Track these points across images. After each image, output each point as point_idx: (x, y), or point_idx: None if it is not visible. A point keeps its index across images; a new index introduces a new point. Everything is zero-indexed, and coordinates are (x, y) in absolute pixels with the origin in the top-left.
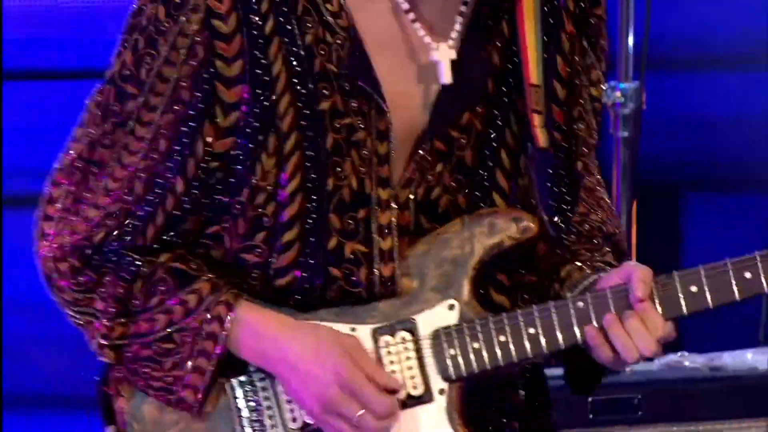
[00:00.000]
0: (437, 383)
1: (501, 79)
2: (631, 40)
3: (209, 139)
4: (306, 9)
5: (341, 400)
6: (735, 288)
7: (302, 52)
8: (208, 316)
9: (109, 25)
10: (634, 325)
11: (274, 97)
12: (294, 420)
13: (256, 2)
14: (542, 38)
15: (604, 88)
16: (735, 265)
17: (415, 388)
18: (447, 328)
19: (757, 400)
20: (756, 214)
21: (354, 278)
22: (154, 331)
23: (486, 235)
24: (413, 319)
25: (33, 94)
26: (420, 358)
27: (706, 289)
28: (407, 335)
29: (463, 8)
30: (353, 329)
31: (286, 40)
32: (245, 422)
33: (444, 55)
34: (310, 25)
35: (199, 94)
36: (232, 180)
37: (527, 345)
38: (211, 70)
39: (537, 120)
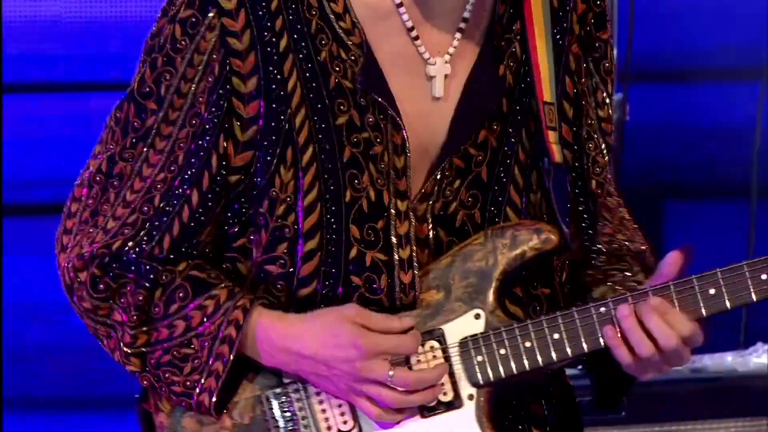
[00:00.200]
0: (466, 389)
1: (514, 97)
2: (615, 54)
3: (227, 154)
4: (319, 27)
5: (369, 366)
6: (752, 290)
7: (317, 69)
8: (225, 321)
9: (112, 40)
10: (653, 319)
11: (289, 112)
12: (329, 428)
13: (270, 20)
14: (553, 59)
15: (611, 109)
16: (751, 267)
17: (444, 394)
18: (474, 336)
19: (736, 400)
20: (736, 221)
21: (375, 286)
22: (173, 337)
23: (508, 247)
24: (441, 329)
25: (34, 106)
26: (449, 366)
27: (724, 291)
28: (436, 344)
29: (462, 25)
30: None
31: (301, 56)
32: None
33: (438, 69)
34: (324, 42)
35: (215, 110)
36: (254, 192)
37: (552, 350)
38: (227, 86)
39: (552, 136)
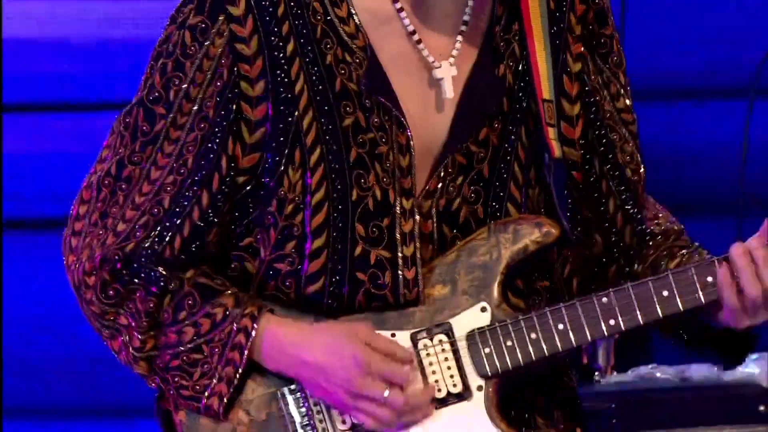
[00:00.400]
0: (475, 380)
1: (514, 96)
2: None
3: (235, 156)
4: (324, 31)
5: (365, 383)
6: None
7: (323, 72)
8: (235, 328)
9: (118, 59)
10: (764, 254)
11: (297, 114)
12: (344, 422)
13: (277, 25)
14: (551, 58)
15: (627, 99)
16: None
17: (454, 386)
18: (481, 328)
19: (724, 408)
20: (721, 237)
21: (379, 282)
22: (182, 342)
23: (511, 241)
24: (449, 323)
25: (35, 126)
26: (457, 359)
27: None
28: (444, 337)
29: (463, 28)
30: (393, 335)
31: (307, 60)
32: (298, 428)
33: (446, 72)
34: (329, 46)
35: (223, 113)
36: (262, 192)
37: (557, 341)
38: (236, 90)
39: (551, 133)
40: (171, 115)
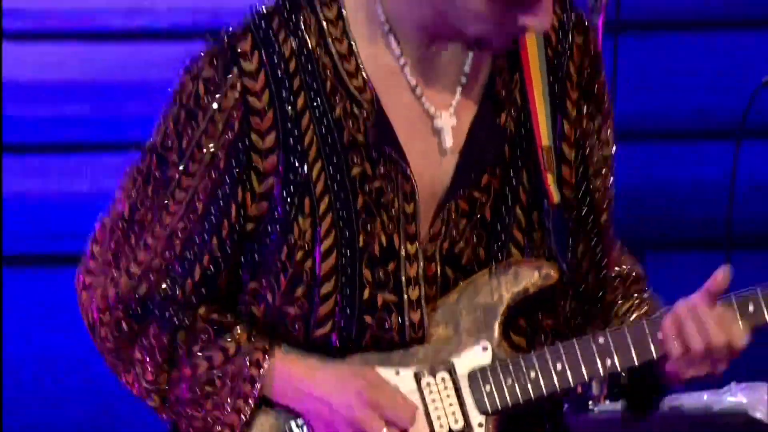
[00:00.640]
0: (476, 417)
1: (515, 143)
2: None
3: (244, 203)
4: (334, 85)
5: (366, 418)
6: None
7: (332, 124)
8: (247, 361)
9: (130, 102)
10: (710, 318)
11: (306, 165)
12: None
13: (288, 80)
14: (549, 105)
15: (614, 147)
16: None
17: (456, 422)
18: (482, 367)
19: None
20: (710, 271)
21: (387, 324)
22: (196, 376)
23: (512, 283)
24: (451, 361)
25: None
26: (459, 396)
27: (763, 305)
28: (446, 375)
29: (463, 80)
30: (397, 372)
31: (317, 113)
32: None
33: (445, 122)
34: (338, 100)
35: (234, 163)
36: (269, 239)
37: (555, 380)
38: (246, 142)
39: (550, 178)
40: (183, 163)
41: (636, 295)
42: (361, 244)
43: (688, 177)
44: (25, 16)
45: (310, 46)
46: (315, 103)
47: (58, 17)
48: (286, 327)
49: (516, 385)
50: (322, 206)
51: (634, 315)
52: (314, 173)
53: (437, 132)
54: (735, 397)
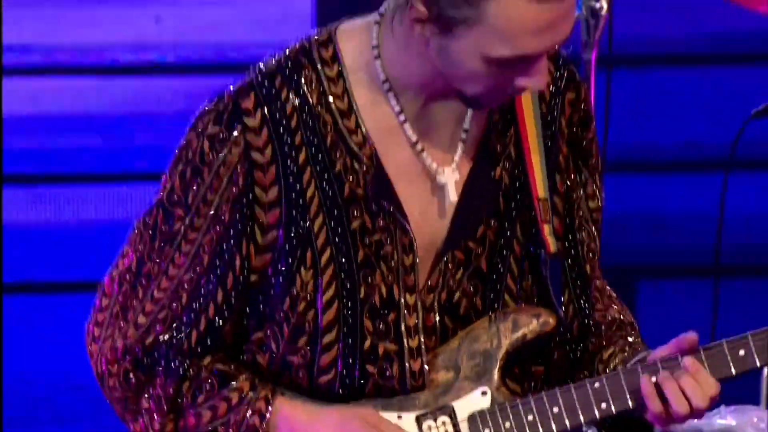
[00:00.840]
0: None
1: (509, 196)
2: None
3: (248, 256)
4: (334, 141)
5: None
6: None
7: (333, 179)
8: (249, 411)
9: (140, 134)
10: (687, 381)
11: (308, 218)
12: None
13: (290, 136)
14: (544, 159)
15: (600, 201)
16: None
17: None
18: (482, 411)
19: None
20: (700, 298)
21: (387, 373)
22: (200, 425)
23: (511, 329)
24: (451, 405)
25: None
26: None
27: (754, 351)
28: (447, 419)
29: (463, 135)
30: (399, 416)
31: (318, 168)
32: None
33: (449, 177)
34: (338, 155)
35: (238, 217)
36: (273, 291)
37: (552, 423)
38: (250, 196)
39: (547, 229)
40: (189, 218)
41: (620, 341)
42: (362, 295)
43: (679, 207)
44: (37, 51)
45: (311, 103)
46: (316, 158)
47: (69, 52)
48: (290, 375)
49: (514, 428)
50: (324, 258)
51: (616, 360)
52: (316, 226)
53: (440, 187)
54: (725, 419)
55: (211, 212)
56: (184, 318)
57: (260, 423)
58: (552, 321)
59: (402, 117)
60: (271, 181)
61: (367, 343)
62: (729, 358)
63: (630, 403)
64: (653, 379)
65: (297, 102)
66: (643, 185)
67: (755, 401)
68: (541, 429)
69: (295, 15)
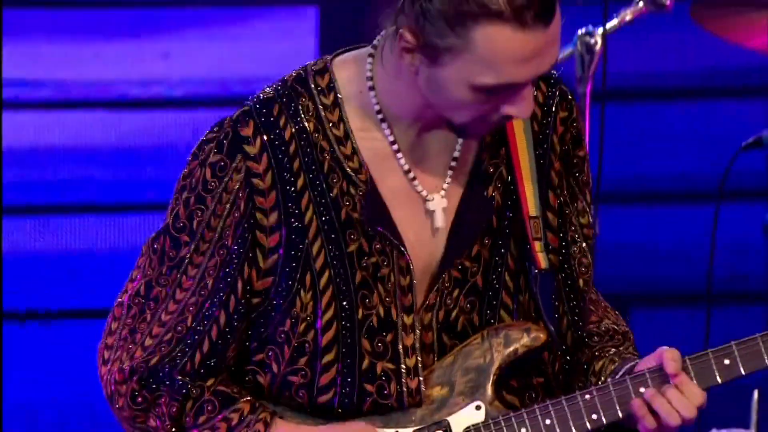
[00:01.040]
0: None
1: (502, 214)
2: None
3: (250, 279)
4: (331, 166)
5: None
6: (765, 355)
7: (330, 203)
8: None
9: (148, 167)
10: (674, 395)
11: (307, 241)
12: None
13: (289, 162)
14: (536, 177)
15: (590, 216)
16: (764, 337)
17: None
18: (476, 425)
19: None
20: (692, 326)
21: (385, 392)
22: None
23: (503, 345)
24: (447, 420)
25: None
26: None
27: (738, 360)
28: None
29: (453, 163)
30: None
31: (316, 193)
32: None
33: (437, 204)
34: (335, 180)
35: (240, 241)
36: (274, 313)
37: None
38: (252, 220)
39: (537, 246)
40: (194, 243)
41: (612, 350)
42: (360, 316)
43: (671, 236)
44: (48, 85)
45: (308, 130)
46: (314, 184)
47: (80, 86)
48: (291, 394)
49: None
50: (323, 281)
51: (608, 371)
52: (314, 249)
53: (429, 213)
54: None
55: (216, 237)
56: (188, 340)
57: None
58: (542, 336)
59: (395, 146)
60: (272, 205)
61: (366, 363)
62: (714, 367)
63: (620, 414)
64: (641, 390)
65: (295, 129)
66: (637, 215)
67: (745, 424)
68: None
69: (299, 51)
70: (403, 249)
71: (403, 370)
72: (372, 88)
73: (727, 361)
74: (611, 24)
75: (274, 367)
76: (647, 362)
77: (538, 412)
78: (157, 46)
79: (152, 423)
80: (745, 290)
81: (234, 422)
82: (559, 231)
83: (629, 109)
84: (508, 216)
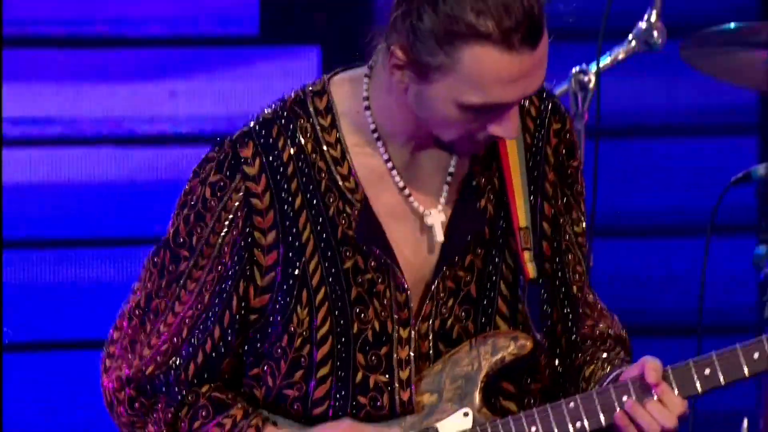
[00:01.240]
0: None
1: (494, 224)
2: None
3: (247, 296)
4: (328, 186)
5: None
6: (744, 367)
7: (326, 222)
8: None
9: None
10: (654, 406)
11: (304, 259)
12: None
13: (287, 182)
14: (528, 187)
15: (584, 225)
16: (744, 348)
17: None
18: (464, 431)
19: None
20: (682, 356)
21: (378, 403)
22: None
23: (490, 353)
24: (435, 427)
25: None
26: None
27: (719, 370)
28: None
29: (449, 179)
30: None
31: (313, 212)
32: None
33: (435, 218)
34: (332, 200)
35: (237, 259)
36: (272, 328)
37: None
38: (250, 239)
39: (527, 256)
40: (193, 258)
41: (603, 356)
42: (355, 330)
43: (663, 269)
44: (60, 122)
45: (306, 151)
46: (311, 203)
47: (90, 123)
48: (285, 407)
49: None
50: (319, 297)
51: (596, 377)
52: (311, 267)
53: (427, 228)
54: None
55: (214, 254)
56: (183, 351)
57: None
58: (529, 344)
59: (390, 164)
60: (270, 225)
61: (359, 376)
62: (695, 377)
63: (603, 421)
64: (624, 399)
65: (293, 150)
66: (630, 249)
67: None
68: None
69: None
70: (397, 266)
71: (396, 383)
72: (368, 107)
73: (707, 372)
74: (605, 63)
75: (270, 381)
76: (631, 371)
77: (524, 420)
78: (164, 85)
79: (150, 429)
80: (735, 321)
81: (227, 428)
82: (553, 240)
83: (622, 145)
84: (501, 226)
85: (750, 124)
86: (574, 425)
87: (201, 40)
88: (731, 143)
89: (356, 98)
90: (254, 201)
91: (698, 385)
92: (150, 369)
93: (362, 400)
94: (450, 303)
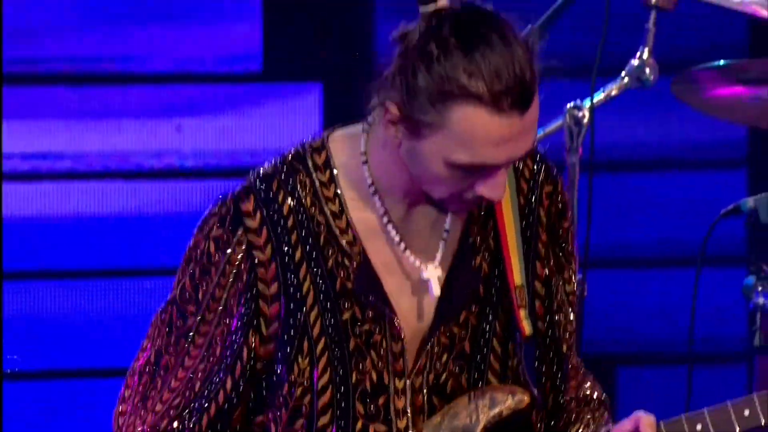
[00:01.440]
0: None
1: (489, 283)
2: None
3: (255, 346)
4: (326, 239)
5: None
6: (735, 423)
7: (325, 274)
8: None
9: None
10: None
11: (305, 310)
12: None
13: (287, 235)
14: (523, 248)
15: (575, 285)
16: (735, 405)
17: None
18: None
19: None
20: (673, 384)
21: None
22: None
23: (488, 407)
24: None
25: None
26: None
27: (710, 426)
28: None
29: (444, 234)
30: None
31: (312, 265)
32: None
33: (432, 274)
34: (330, 253)
35: (244, 310)
36: (275, 376)
37: None
38: (254, 291)
39: (522, 314)
40: (200, 313)
41: (588, 416)
42: (353, 380)
43: (655, 299)
44: (68, 157)
45: (305, 205)
46: (311, 256)
47: (98, 158)
48: None
49: None
50: (319, 347)
51: None
52: (311, 318)
53: (423, 282)
54: None
55: (220, 307)
56: (196, 404)
57: None
58: (526, 398)
59: (386, 219)
60: (272, 276)
61: (359, 425)
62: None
63: None
64: None
65: (292, 203)
66: (623, 280)
67: None
68: None
69: (304, 124)
70: (394, 318)
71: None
72: (365, 162)
73: (699, 427)
74: (598, 98)
75: (273, 429)
76: (623, 426)
77: None
78: (170, 120)
79: None
80: (725, 351)
81: None
82: (545, 299)
83: (616, 178)
84: (495, 285)
85: (739, 158)
86: None
87: (206, 77)
88: (721, 177)
89: (354, 153)
90: (257, 253)
91: None
92: (164, 424)
93: None
94: (444, 358)
